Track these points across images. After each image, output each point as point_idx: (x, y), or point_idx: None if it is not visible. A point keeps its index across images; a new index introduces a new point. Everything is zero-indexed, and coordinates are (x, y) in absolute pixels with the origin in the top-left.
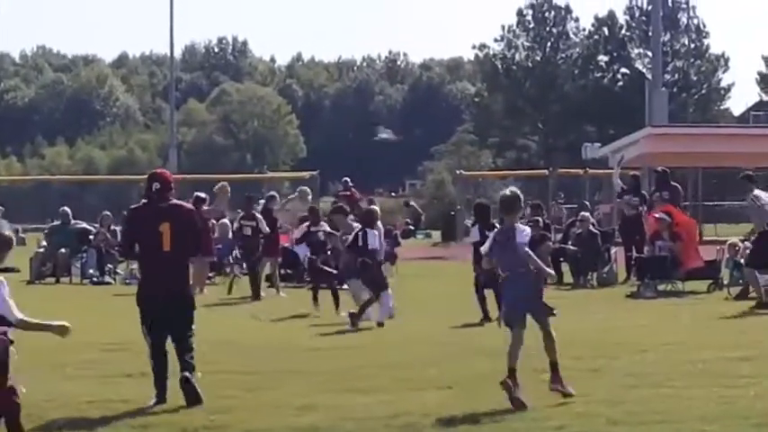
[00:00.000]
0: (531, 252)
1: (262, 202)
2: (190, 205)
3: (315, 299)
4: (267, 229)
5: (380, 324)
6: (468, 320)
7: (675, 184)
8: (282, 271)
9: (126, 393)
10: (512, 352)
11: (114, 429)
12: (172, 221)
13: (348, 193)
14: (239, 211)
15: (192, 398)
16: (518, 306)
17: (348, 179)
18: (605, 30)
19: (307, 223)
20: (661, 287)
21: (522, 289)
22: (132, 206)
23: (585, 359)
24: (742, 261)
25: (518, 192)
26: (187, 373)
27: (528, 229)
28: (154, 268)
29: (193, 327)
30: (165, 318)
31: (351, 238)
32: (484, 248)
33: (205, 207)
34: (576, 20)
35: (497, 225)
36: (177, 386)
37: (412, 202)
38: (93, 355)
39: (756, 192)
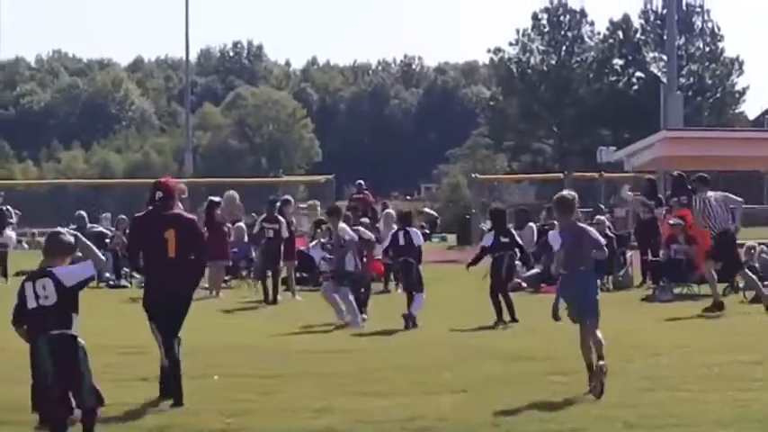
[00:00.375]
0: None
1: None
2: (192, 216)
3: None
4: (287, 233)
5: (411, 318)
6: (482, 323)
7: None
8: (298, 274)
9: (142, 397)
10: (583, 349)
11: (132, 430)
12: (176, 228)
13: (361, 196)
14: (254, 214)
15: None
16: (574, 302)
17: (362, 182)
18: (620, 33)
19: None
20: (676, 290)
21: (580, 287)
22: (136, 214)
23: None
24: (757, 265)
25: (574, 193)
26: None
27: (595, 230)
28: (159, 274)
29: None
30: (166, 319)
31: (389, 239)
32: (556, 249)
33: (218, 211)
34: (591, 23)
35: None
36: (193, 389)
37: (426, 209)
38: (110, 359)
39: (709, 194)
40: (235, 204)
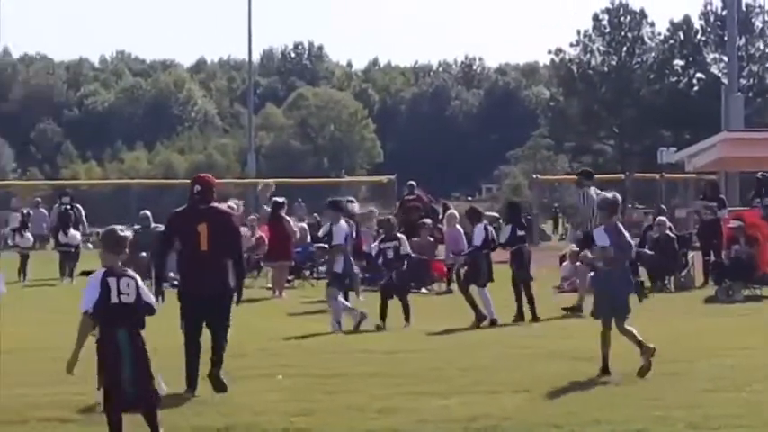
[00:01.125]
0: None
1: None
2: (227, 209)
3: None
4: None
5: (494, 321)
6: (544, 322)
7: None
8: (362, 275)
9: (205, 394)
10: (602, 343)
11: (197, 431)
12: (209, 223)
13: (414, 196)
14: (316, 215)
15: (219, 387)
16: (605, 302)
17: (414, 183)
18: (681, 34)
19: (381, 239)
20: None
21: (615, 284)
22: (176, 209)
23: (664, 363)
24: None
25: (618, 196)
26: (215, 370)
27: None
28: (193, 267)
29: (229, 322)
30: (203, 313)
31: (483, 236)
32: (604, 243)
33: (283, 212)
34: (652, 24)
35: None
36: (257, 388)
37: (487, 212)
38: (171, 360)
39: (591, 191)
40: None
